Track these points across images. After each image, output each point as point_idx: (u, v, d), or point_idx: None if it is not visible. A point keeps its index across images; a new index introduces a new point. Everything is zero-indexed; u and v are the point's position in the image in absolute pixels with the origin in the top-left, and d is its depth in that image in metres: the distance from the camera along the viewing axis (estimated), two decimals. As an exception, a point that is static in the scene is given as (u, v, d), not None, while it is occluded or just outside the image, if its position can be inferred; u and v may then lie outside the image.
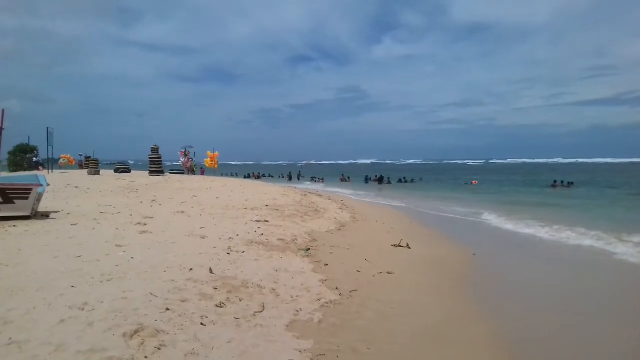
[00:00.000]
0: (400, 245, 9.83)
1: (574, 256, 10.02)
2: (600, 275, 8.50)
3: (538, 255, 10.12)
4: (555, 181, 37.08)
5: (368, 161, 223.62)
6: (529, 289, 7.49)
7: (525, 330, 5.35)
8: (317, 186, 38.57)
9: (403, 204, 22.02)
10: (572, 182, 36.41)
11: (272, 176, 58.10)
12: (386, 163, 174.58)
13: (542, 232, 13.16)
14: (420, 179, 49.02)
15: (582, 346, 5.02)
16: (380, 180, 43.60)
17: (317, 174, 57.82)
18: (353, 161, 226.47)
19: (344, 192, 30.79)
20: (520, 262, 9.55)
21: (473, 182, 44.98)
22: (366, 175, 48.89)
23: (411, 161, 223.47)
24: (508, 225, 14.71)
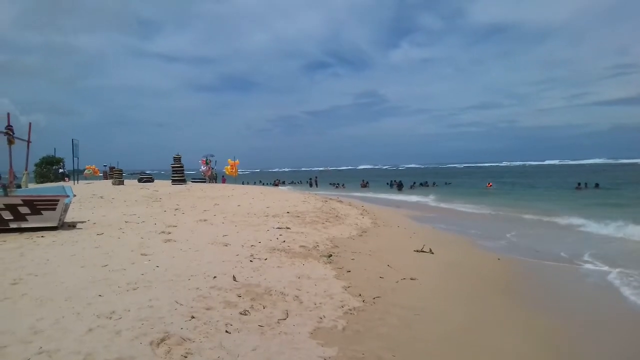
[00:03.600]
0: (423, 251, 9.72)
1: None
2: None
3: (566, 257, 9.88)
4: (579, 184, 36.10)
5: (368, 167, 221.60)
6: (558, 294, 7.32)
7: (556, 339, 5.20)
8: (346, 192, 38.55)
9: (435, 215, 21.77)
10: (597, 184, 35.46)
11: (294, 182, 58.94)
12: (384, 169, 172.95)
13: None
14: (450, 183, 49.19)
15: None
16: (400, 186, 43.38)
17: (332, 181, 58.06)
18: (353, 167, 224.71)
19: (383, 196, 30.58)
20: (548, 266, 9.33)
21: (488, 185, 44.22)
22: (392, 180, 49.42)
23: (413, 165, 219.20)
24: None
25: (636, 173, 60.85)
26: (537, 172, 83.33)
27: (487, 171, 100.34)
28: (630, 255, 10.10)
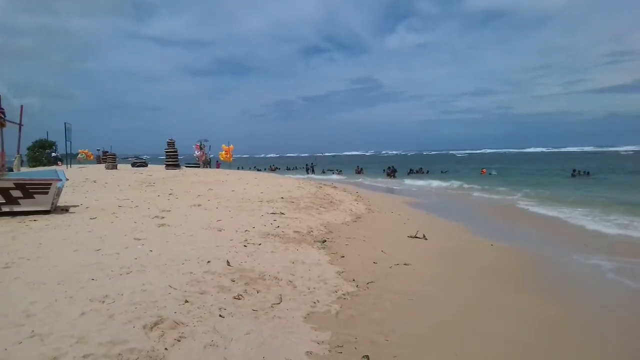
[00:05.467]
0: (416, 237, 9.75)
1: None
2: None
3: (560, 242, 9.95)
4: (574, 171, 36.35)
5: (356, 153, 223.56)
6: (553, 279, 7.35)
7: (550, 325, 5.23)
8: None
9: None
10: (588, 172, 35.70)
11: (289, 169, 59.12)
12: (368, 155, 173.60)
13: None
14: (446, 171, 49.17)
15: (616, 344, 4.91)
16: (393, 173, 43.33)
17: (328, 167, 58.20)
18: (339, 153, 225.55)
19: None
20: (544, 251, 9.38)
21: (482, 171, 44.30)
22: (389, 167, 49.41)
23: (395, 152, 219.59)
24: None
25: (621, 161, 61.52)
26: (523, 160, 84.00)
27: (475, 159, 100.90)
28: (625, 244, 10.20)
